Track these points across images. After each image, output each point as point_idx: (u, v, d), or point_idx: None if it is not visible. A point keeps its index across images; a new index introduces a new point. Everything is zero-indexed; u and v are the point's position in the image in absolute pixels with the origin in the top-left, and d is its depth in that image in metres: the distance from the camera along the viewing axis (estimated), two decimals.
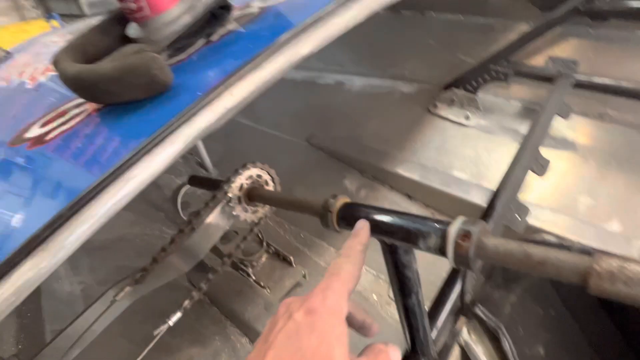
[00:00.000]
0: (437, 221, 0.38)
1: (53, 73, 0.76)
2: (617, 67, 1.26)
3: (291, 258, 1.11)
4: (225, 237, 1.18)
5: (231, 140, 1.65)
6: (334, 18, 0.47)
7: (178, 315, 0.51)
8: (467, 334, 0.58)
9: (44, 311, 0.81)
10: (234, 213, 0.57)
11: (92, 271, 0.96)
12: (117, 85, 0.39)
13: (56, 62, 0.45)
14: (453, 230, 0.35)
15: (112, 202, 0.32)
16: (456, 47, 1.56)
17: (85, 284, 0.93)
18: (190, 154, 1.62)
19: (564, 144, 1.23)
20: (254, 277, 1.05)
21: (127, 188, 0.32)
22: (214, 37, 0.53)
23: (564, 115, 1.16)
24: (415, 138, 1.48)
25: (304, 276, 1.14)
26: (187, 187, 1.24)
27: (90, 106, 0.48)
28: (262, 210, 0.61)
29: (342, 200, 0.47)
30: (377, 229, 0.42)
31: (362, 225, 0.41)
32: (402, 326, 0.52)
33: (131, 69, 0.38)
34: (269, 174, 0.61)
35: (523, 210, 0.89)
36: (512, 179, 0.84)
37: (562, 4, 1.18)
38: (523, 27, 1.46)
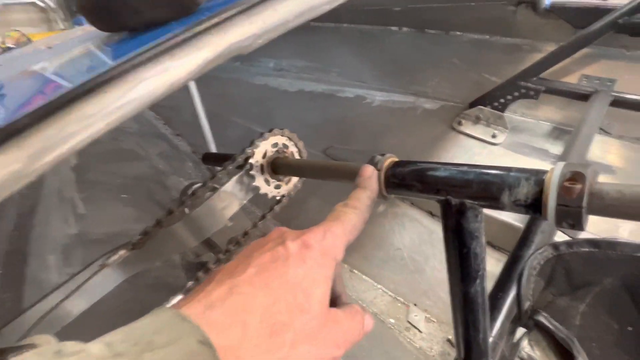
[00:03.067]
0: (523, 169, 0.30)
1: (70, 37, 0.71)
2: None
3: None
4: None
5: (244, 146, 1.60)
6: None
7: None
8: (529, 348, 0.47)
9: (24, 301, 0.71)
10: (254, 184, 0.49)
11: (86, 264, 0.86)
12: None
13: None
14: (556, 173, 0.27)
15: (115, 104, 0.25)
16: (481, 66, 1.53)
17: None
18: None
19: (602, 168, 1.15)
20: None
21: (138, 91, 0.25)
22: None
23: (610, 130, 1.09)
24: (438, 154, 1.41)
25: None
26: (197, 186, 1.16)
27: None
28: (286, 187, 0.53)
29: (391, 158, 0.38)
30: (440, 184, 0.33)
31: (371, 174, 0.37)
32: (455, 326, 0.42)
33: None
34: (296, 146, 0.53)
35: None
36: None
37: (598, 20, 1.14)
38: (552, 48, 1.43)
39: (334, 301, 0.33)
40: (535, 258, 0.54)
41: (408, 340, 1.04)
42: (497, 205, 0.30)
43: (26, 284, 0.75)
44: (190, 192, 0.44)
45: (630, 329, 0.51)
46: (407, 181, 0.35)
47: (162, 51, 0.27)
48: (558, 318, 0.48)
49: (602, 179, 0.93)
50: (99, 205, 1.05)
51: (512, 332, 0.50)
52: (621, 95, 1.12)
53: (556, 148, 1.27)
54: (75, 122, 0.23)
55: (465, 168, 0.32)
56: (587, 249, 0.54)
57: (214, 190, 0.45)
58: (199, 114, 1.39)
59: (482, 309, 0.38)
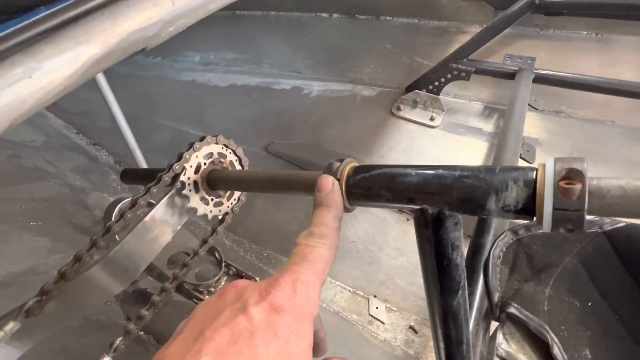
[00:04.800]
0: (509, 168, 0.26)
1: None
2: (564, 63, 1.31)
3: (257, 278, 0.93)
4: (172, 261, 0.97)
5: (176, 152, 1.45)
6: None
7: None
8: (505, 343, 0.45)
9: None
10: (190, 206, 0.40)
11: None
12: None
13: None
14: (549, 171, 0.23)
15: None
16: (413, 50, 1.55)
17: None
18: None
19: (530, 141, 1.23)
20: None
21: None
22: None
23: (537, 106, 1.15)
24: (381, 141, 1.40)
25: None
26: (124, 202, 1.01)
27: None
28: (227, 202, 0.45)
29: (351, 163, 0.33)
30: (414, 192, 0.28)
31: (332, 187, 0.30)
32: (436, 340, 0.38)
33: None
34: (235, 154, 0.45)
35: None
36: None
37: (517, 1, 1.19)
38: (475, 29, 1.49)
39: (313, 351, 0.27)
40: (497, 246, 0.53)
41: (372, 334, 1.03)
42: (482, 212, 0.26)
43: None
44: (104, 228, 0.34)
45: (590, 304, 0.52)
46: (373, 190, 0.30)
47: (17, 46, 0.17)
48: (527, 306, 0.47)
49: (540, 154, 0.96)
50: None
51: (487, 328, 0.48)
52: (541, 72, 1.19)
53: (489, 126, 1.32)
54: None
55: (441, 171, 0.27)
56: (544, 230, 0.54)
57: (138, 220, 0.36)
58: (117, 118, 1.22)
59: (465, 320, 0.34)
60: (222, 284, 0.95)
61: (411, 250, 1.16)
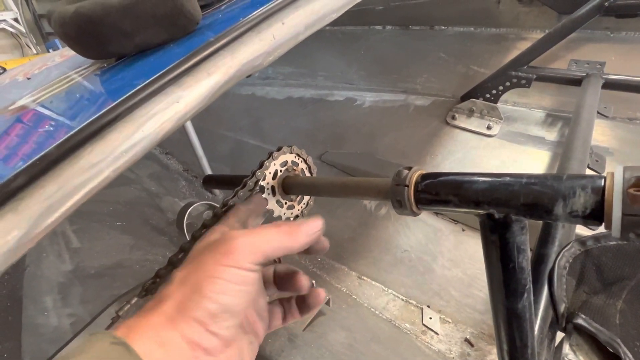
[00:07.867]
0: (576, 176, 0.27)
1: (49, 65, 0.67)
2: None
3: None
4: None
5: (237, 161, 1.56)
6: None
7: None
8: (572, 354, 0.45)
9: (23, 352, 0.66)
10: (267, 208, 0.46)
11: (85, 302, 0.81)
12: (131, 19, 0.30)
13: (52, 13, 0.36)
14: (617, 179, 0.25)
15: (122, 147, 0.21)
16: (469, 59, 1.53)
17: (76, 317, 0.78)
18: (195, 177, 1.52)
19: (600, 150, 1.15)
20: None
21: (147, 129, 0.22)
22: None
23: (607, 113, 1.09)
24: (435, 151, 1.40)
25: (328, 302, 1.00)
26: (193, 207, 1.12)
27: (93, 67, 0.38)
28: (298, 206, 0.50)
29: (419, 171, 0.36)
30: (481, 197, 0.31)
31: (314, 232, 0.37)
32: (499, 343, 0.39)
33: None
34: (305, 162, 0.50)
35: None
36: None
37: (583, 4, 1.14)
38: (536, 35, 1.43)
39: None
40: (563, 256, 0.52)
41: (426, 344, 1.02)
42: (549, 217, 0.27)
43: (24, 331, 0.70)
44: (202, 223, 0.40)
45: None
46: (441, 195, 0.33)
47: (170, 80, 0.23)
48: (597, 319, 0.46)
49: (611, 164, 0.91)
50: (92, 236, 1.00)
51: (552, 338, 0.47)
52: (612, 77, 1.12)
53: (552, 135, 1.27)
54: (78, 173, 0.20)
55: (507, 178, 0.29)
56: (615, 242, 0.52)
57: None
58: (188, 130, 1.35)
59: (530, 324, 0.35)
60: None
61: (467, 262, 1.14)
